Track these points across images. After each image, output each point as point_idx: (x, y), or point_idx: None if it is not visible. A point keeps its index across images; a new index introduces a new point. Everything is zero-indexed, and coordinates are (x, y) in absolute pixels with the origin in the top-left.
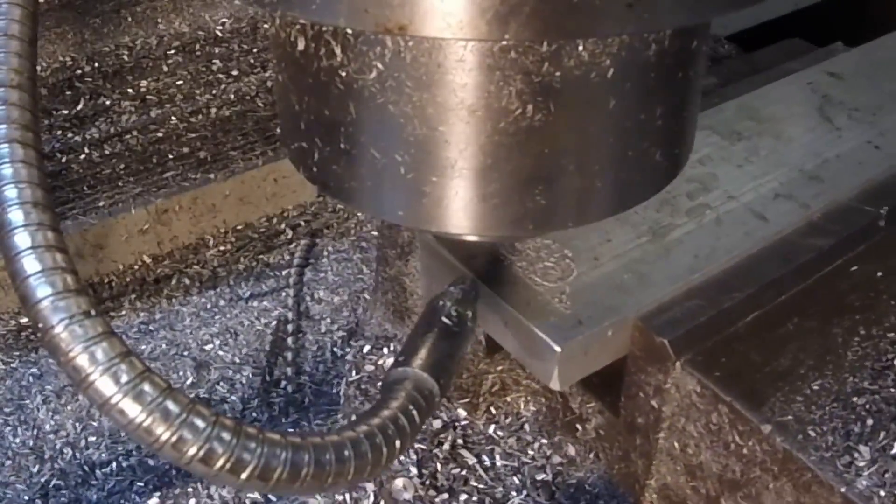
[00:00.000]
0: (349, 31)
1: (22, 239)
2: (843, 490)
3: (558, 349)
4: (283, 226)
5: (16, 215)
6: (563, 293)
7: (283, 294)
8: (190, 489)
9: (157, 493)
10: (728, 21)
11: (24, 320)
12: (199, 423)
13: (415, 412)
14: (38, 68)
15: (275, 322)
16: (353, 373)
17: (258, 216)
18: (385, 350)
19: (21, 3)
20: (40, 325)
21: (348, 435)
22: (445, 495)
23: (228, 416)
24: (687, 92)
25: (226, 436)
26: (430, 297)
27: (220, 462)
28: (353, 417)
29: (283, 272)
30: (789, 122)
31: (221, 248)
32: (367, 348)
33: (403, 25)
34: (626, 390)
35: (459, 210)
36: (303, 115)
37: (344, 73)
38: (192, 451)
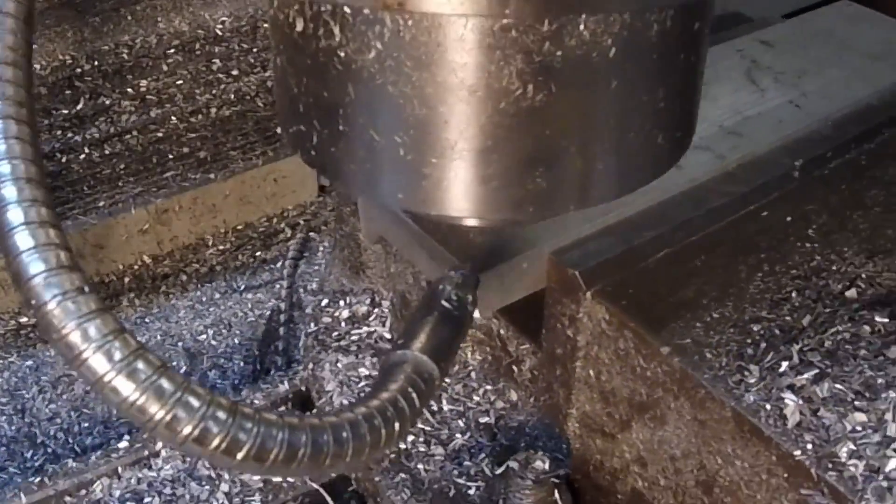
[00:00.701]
0: (347, 9)
1: (15, 215)
2: (732, 404)
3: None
4: (282, 225)
5: (8, 191)
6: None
7: (278, 286)
8: None
9: (127, 437)
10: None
11: (23, 320)
12: (194, 402)
13: (414, 395)
14: (38, 67)
15: (268, 313)
16: (312, 325)
17: (258, 216)
18: (341, 303)
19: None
20: (33, 302)
21: (346, 416)
22: None
23: (224, 395)
24: (689, 74)
25: (221, 415)
26: (372, 240)
27: (216, 442)
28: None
29: (278, 265)
30: (716, 84)
31: (221, 247)
32: (324, 302)
33: (402, 1)
34: (545, 322)
35: (459, 192)
36: (301, 97)
37: (343, 54)
38: (187, 430)
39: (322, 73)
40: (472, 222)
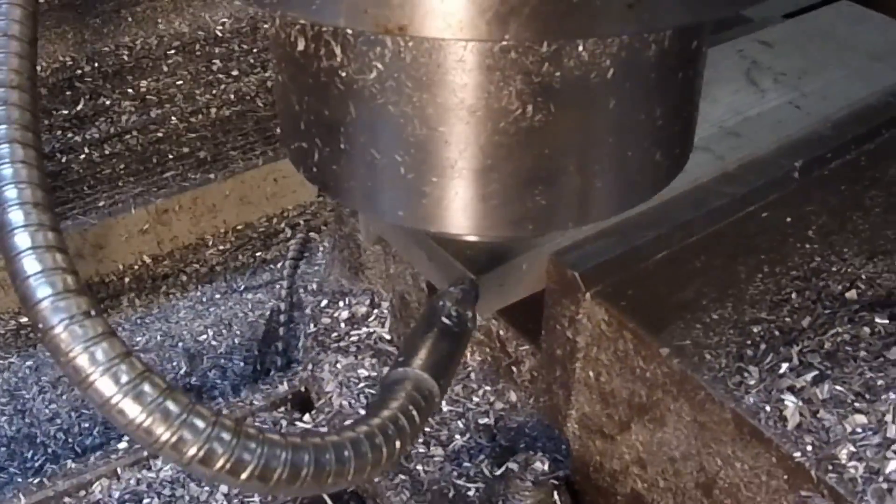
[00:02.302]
0: (349, 31)
1: (22, 239)
2: (732, 406)
3: (473, 278)
4: (282, 225)
5: (16, 215)
6: None
7: (278, 286)
8: None
9: (127, 438)
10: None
11: (23, 320)
12: (199, 424)
13: (415, 412)
14: (38, 68)
15: (268, 313)
16: (311, 325)
17: (258, 216)
18: (340, 304)
19: (21, 3)
20: (40, 326)
21: (348, 435)
22: None
23: (228, 416)
24: (687, 92)
25: (226, 436)
26: (371, 241)
27: (220, 462)
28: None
29: (278, 265)
30: (716, 85)
31: (221, 247)
32: (324, 303)
33: (403, 26)
34: (545, 323)
35: (459, 210)
36: (303, 115)
37: (344, 74)
38: (192, 451)
39: (323, 92)
40: (472, 238)
